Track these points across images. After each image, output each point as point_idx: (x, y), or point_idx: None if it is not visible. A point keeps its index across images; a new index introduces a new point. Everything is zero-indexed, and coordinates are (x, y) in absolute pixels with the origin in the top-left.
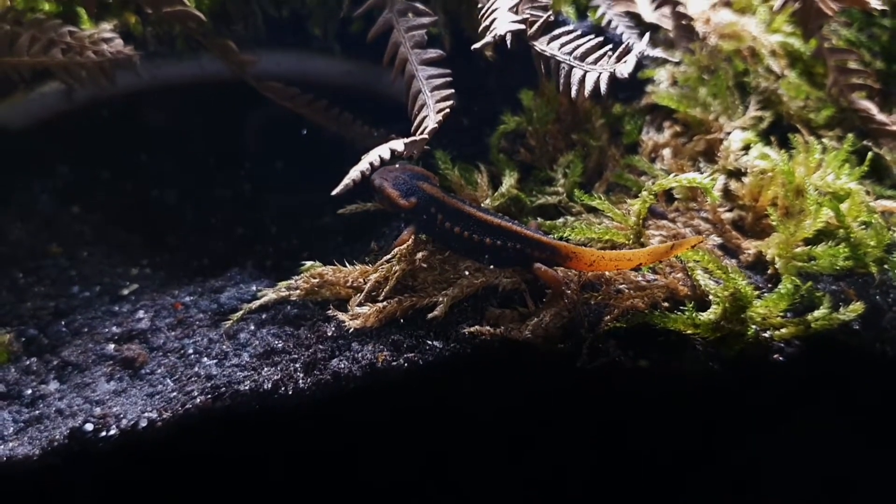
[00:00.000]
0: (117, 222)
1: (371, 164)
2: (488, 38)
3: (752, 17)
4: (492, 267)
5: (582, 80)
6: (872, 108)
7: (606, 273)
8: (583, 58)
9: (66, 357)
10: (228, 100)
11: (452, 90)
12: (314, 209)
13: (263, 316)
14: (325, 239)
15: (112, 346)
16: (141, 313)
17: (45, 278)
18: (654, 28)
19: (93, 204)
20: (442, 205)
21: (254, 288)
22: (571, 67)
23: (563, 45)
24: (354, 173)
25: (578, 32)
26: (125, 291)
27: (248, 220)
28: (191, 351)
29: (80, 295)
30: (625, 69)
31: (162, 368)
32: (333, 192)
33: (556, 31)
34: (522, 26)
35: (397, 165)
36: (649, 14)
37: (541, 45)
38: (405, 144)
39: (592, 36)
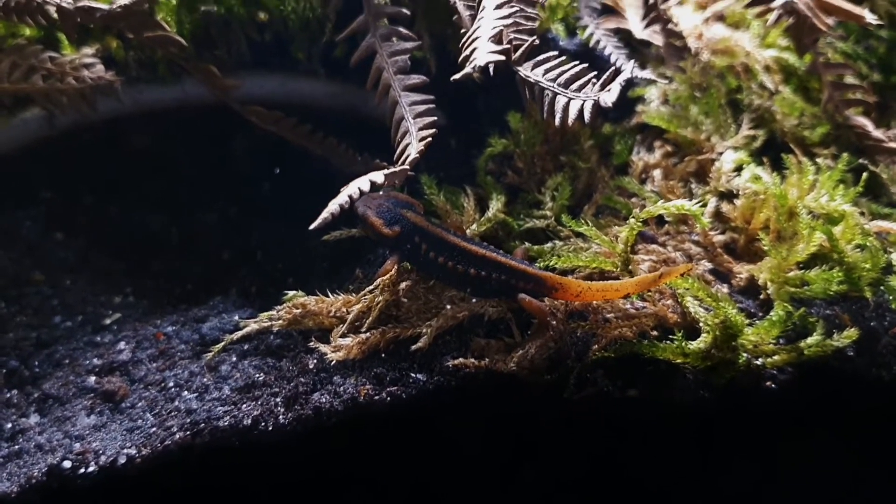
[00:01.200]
0: (101, 248)
1: (350, 196)
2: (468, 68)
3: (746, 32)
4: (475, 299)
5: (566, 108)
6: (868, 125)
7: (594, 302)
8: (567, 84)
9: (47, 390)
10: (212, 124)
11: (435, 118)
12: (300, 234)
13: (245, 347)
14: (311, 264)
15: (93, 378)
16: (122, 344)
17: (28, 307)
18: (645, 44)
19: (76, 230)
20: (426, 234)
21: (236, 318)
22: (555, 94)
23: (547, 72)
24: (333, 206)
25: (563, 58)
26: (107, 321)
27: (234, 245)
28: (171, 384)
29: (63, 325)
30: (609, 98)
31: (142, 402)
32: (312, 227)
33: (541, 57)
34: (502, 57)
35: (381, 193)
36: (640, 31)
37: (525, 70)
38: (385, 176)
39: (577, 62)
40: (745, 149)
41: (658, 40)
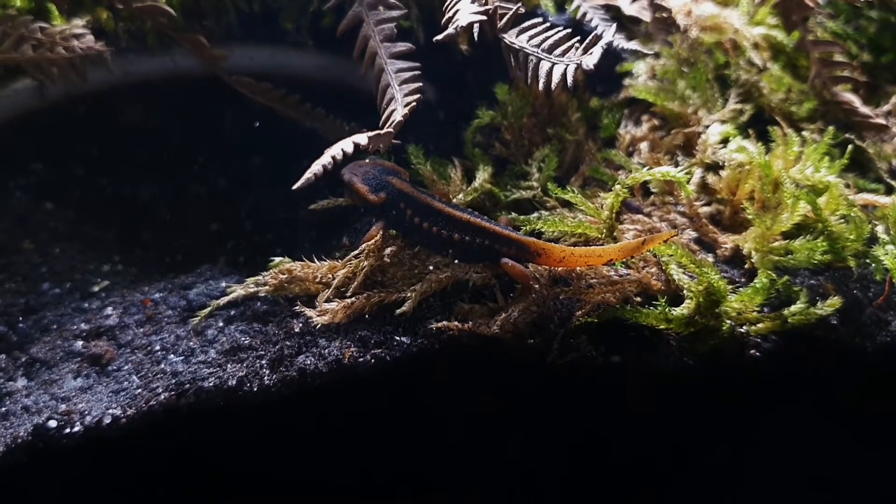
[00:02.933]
0: (91, 219)
1: (333, 157)
2: (450, 29)
3: (735, 10)
4: (458, 263)
5: (549, 73)
6: (856, 101)
7: (577, 268)
8: (550, 50)
9: (35, 354)
10: (203, 96)
11: (421, 83)
12: (289, 205)
13: (232, 312)
14: (300, 233)
15: (80, 342)
16: (110, 310)
17: (17, 274)
18: (634, 21)
19: (67, 200)
20: (411, 200)
21: (223, 284)
22: (539, 60)
23: (531, 38)
24: (316, 167)
25: (547, 25)
26: (96, 288)
27: (223, 216)
28: (158, 348)
29: (51, 292)
30: (590, 60)
31: (129, 365)
32: (295, 187)
33: (526, 24)
34: (484, 17)
35: (368, 160)
36: (628, 7)
37: (510, 37)
38: (369, 138)
39: (560, 28)
40: (732, 122)
41: (646, 16)
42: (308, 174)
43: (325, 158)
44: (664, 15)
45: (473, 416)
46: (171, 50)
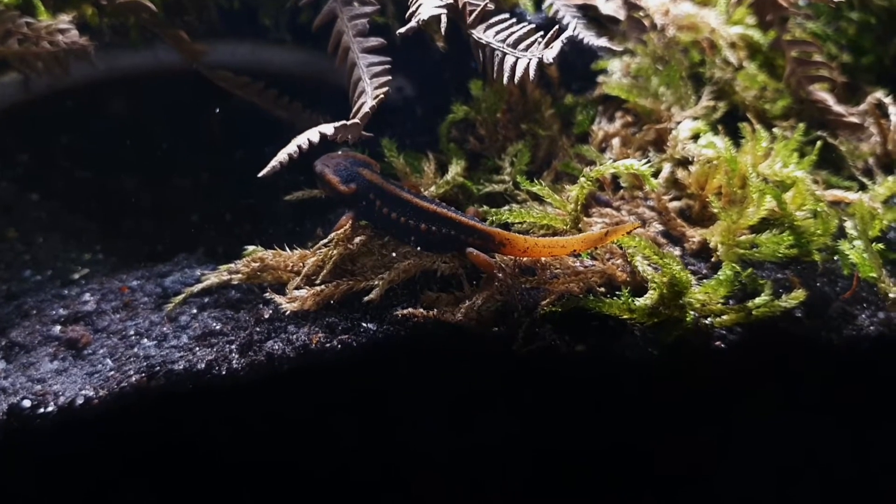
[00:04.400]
0: (74, 210)
1: (299, 146)
2: (413, 23)
3: (713, 10)
4: (424, 252)
5: (513, 67)
6: (829, 100)
7: (542, 259)
8: (515, 45)
9: (14, 338)
10: (187, 90)
11: (390, 77)
12: (269, 197)
13: (206, 300)
14: (279, 225)
15: (58, 327)
16: (88, 296)
17: (0, 262)
18: (613, 21)
19: (51, 192)
20: (380, 191)
21: (198, 272)
22: (504, 54)
23: (498, 33)
24: (282, 156)
25: (513, 21)
26: (76, 276)
27: (204, 208)
28: (132, 332)
29: (32, 278)
30: (550, 54)
31: (104, 349)
32: (260, 174)
33: (493, 20)
34: (444, 11)
35: (340, 152)
36: (604, 5)
37: (478, 33)
38: (336, 128)
39: (526, 24)
40: (704, 119)
41: (622, 14)
42: (273, 163)
43: (291, 147)
44: (639, 14)
45: (439, 403)
46: (154, 45)
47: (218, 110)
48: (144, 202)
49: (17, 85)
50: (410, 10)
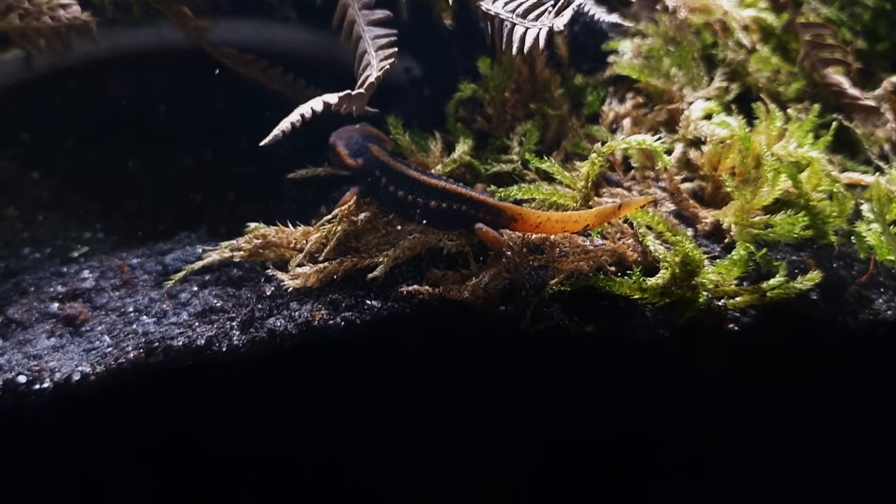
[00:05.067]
0: (77, 189)
1: (303, 115)
2: None
3: None
4: (431, 229)
5: (523, 37)
6: (844, 82)
7: (553, 236)
8: (525, 15)
9: (11, 315)
10: (192, 68)
11: (396, 49)
12: (274, 177)
13: (207, 277)
14: (283, 205)
15: (56, 304)
16: (87, 273)
17: None
18: (625, 4)
19: (53, 171)
20: (386, 168)
21: (200, 250)
22: (514, 25)
23: (507, 4)
24: (284, 124)
25: None
26: (75, 254)
27: (208, 188)
28: (131, 309)
29: (31, 256)
30: (560, 22)
31: (102, 326)
32: (262, 143)
33: None
34: None
35: (358, 126)
36: None
37: (486, 4)
38: (340, 98)
39: None
40: (717, 100)
41: None
42: (276, 131)
43: (294, 116)
44: None
45: (444, 383)
46: (158, 22)
47: (222, 88)
48: (147, 181)
49: (19, 62)
50: None
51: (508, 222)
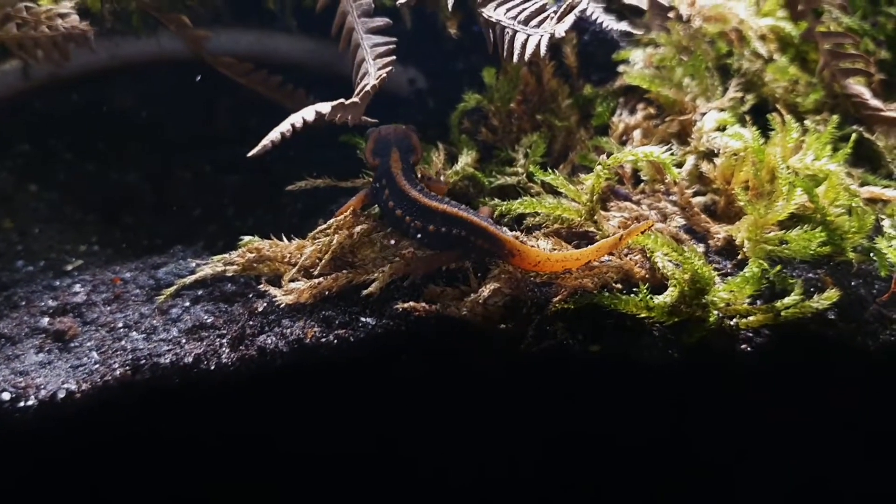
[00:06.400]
0: (74, 201)
1: (293, 125)
2: None
3: (741, 1)
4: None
5: (524, 45)
6: (866, 93)
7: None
8: (526, 21)
9: (1, 330)
10: (193, 80)
11: (394, 57)
12: (274, 191)
13: (199, 292)
14: (281, 219)
15: (46, 319)
16: (78, 287)
17: None
18: (637, 13)
19: (51, 183)
20: (392, 180)
21: (193, 264)
22: (515, 32)
23: (508, 10)
24: (274, 134)
25: None
26: (69, 267)
27: (206, 201)
28: (121, 325)
29: (24, 269)
30: (561, 28)
31: (91, 342)
32: (251, 154)
33: None
34: None
35: (403, 127)
36: None
37: (488, 11)
38: (333, 107)
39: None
40: (731, 111)
41: (644, 3)
42: (265, 141)
43: (285, 126)
44: (661, 1)
45: (440, 403)
46: (158, 32)
47: (222, 100)
48: (145, 194)
49: (18, 73)
50: None
51: (506, 256)
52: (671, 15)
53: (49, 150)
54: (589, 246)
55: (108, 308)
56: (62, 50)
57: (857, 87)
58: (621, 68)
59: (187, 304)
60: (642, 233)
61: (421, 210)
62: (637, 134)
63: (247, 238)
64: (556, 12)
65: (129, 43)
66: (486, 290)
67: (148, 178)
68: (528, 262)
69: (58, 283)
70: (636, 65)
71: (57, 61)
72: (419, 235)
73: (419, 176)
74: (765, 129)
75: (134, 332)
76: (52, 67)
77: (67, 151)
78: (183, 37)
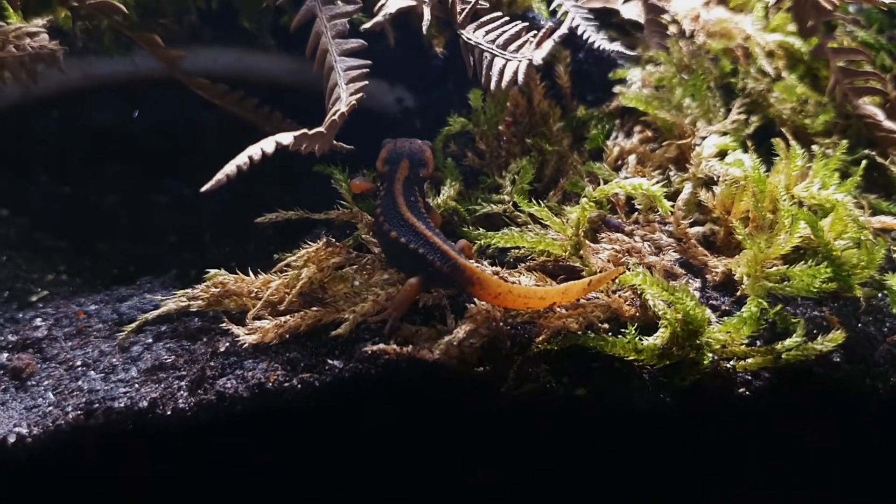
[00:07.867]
0: (46, 227)
1: (251, 157)
2: (379, 17)
3: (748, 16)
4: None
5: (501, 70)
6: (879, 114)
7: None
8: (505, 46)
9: None
10: (168, 100)
11: (367, 82)
12: (252, 217)
13: (164, 328)
14: (260, 245)
15: (5, 355)
16: (39, 321)
17: None
18: (638, 28)
19: (24, 207)
20: (389, 185)
21: (159, 297)
22: (493, 56)
23: (487, 33)
24: (230, 168)
25: (506, 19)
26: (34, 298)
27: (183, 227)
28: (80, 363)
29: None
30: (539, 55)
31: (49, 380)
32: (203, 189)
33: (485, 18)
34: (413, 3)
35: (420, 142)
36: (625, 9)
37: (468, 33)
38: (295, 138)
39: (518, 22)
40: (734, 134)
41: (644, 19)
42: (220, 175)
43: (241, 159)
44: (659, 17)
45: (412, 454)
46: (132, 51)
47: (202, 122)
48: (121, 220)
49: None
50: (379, 4)
51: (466, 284)
52: (672, 31)
53: (23, 172)
54: (554, 286)
55: (69, 343)
56: (29, 71)
57: (871, 107)
58: (617, 89)
59: (150, 340)
60: (613, 280)
61: (395, 217)
62: (632, 159)
63: (212, 271)
64: (534, 37)
65: (103, 62)
66: (461, 332)
67: (124, 202)
68: (488, 293)
69: (21, 315)
70: (633, 84)
71: (25, 82)
72: (384, 243)
73: (423, 189)
74: (770, 154)
75: (92, 372)
76: (25, 89)
77: (43, 173)
78: (156, 56)
